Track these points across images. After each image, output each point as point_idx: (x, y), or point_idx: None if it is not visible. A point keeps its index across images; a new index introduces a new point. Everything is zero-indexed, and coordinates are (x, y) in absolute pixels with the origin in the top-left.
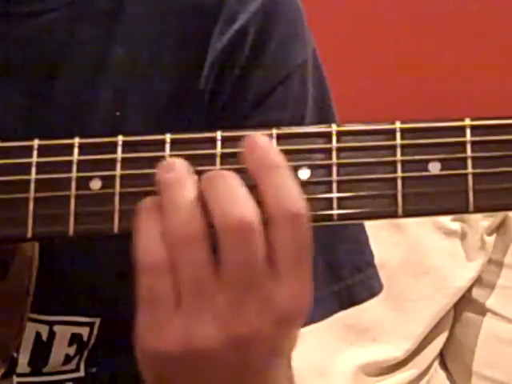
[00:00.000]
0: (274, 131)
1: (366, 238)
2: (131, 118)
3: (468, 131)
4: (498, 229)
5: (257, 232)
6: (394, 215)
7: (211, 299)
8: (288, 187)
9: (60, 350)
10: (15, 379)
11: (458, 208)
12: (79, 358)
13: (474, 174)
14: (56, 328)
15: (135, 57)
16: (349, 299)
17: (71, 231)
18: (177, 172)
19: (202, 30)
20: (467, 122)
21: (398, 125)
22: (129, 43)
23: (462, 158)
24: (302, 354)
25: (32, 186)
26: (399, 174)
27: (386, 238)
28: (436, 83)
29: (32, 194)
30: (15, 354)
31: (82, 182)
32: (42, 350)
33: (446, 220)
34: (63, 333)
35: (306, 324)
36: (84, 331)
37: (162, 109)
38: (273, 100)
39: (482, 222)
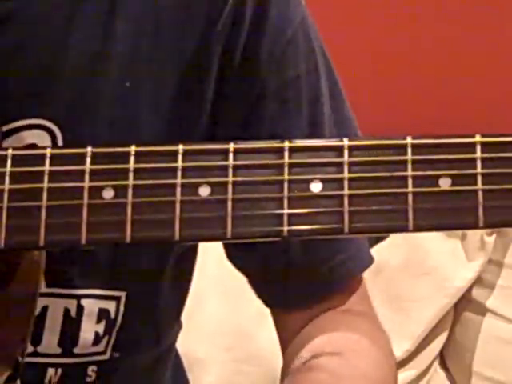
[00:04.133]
0: (287, 144)
1: None
2: (141, 89)
3: (478, 148)
4: (498, 229)
5: None
6: (404, 230)
7: None
8: None
9: (89, 326)
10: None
11: (467, 224)
12: (108, 340)
13: (484, 191)
14: (83, 302)
15: (139, 29)
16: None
17: (83, 240)
18: None
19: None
20: (478, 138)
21: (409, 140)
22: (131, 18)
23: (472, 174)
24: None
25: (44, 194)
26: (410, 189)
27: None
28: (437, 83)
29: (44, 203)
30: (20, 359)
31: (95, 192)
32: (71, 327)
33: None
34: (91, 307)
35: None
36: (111, 306)
37: (171, 80)
38: (286, 59)
39: None
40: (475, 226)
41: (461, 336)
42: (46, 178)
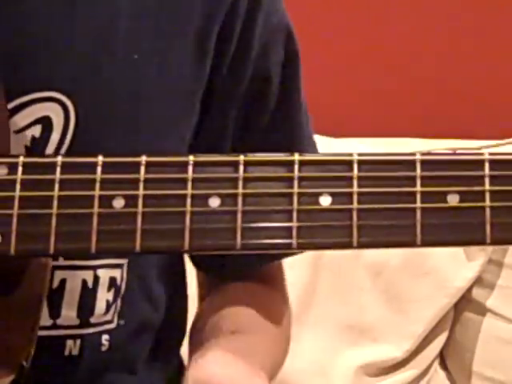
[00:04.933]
0: (297, 158)
1: None
2: (147, 63)
3: (487, 165)
4: None
5: None
6: (412, 245)
7: None
8: None
9: (103, 295)
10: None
11: (475, 240)
12: (115, 308)
13: (492, 207)
14: (99, 272)
15: (142, 7)
16: None
17: (93, 249)
18: None
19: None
20: (486, 156)
21: (418, 156)
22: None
23: (480, 191)
24: (302, 354)
25: (55, 202)
26: (418, 204)
27: None
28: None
29: (55, 211)
30: (24, 363)
31: (105, 201)
32: (88, 298)
33: None
34: (104, 277)
35: None
36: (117, 274)
37: (174, 55)
38: (271, 45)
39: None
40: (482, 243)
41: (461, 336)
42: (56, 186)
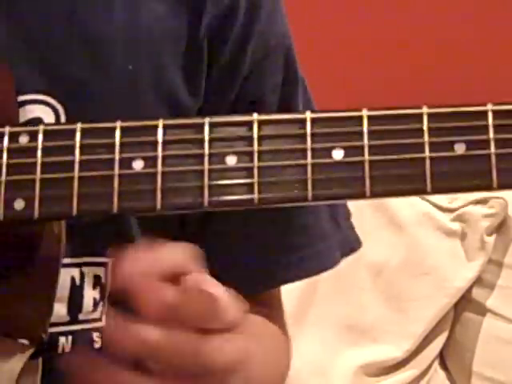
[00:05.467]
0: (309, 115)
1: None
2: (143, 72)
3: (490, 115)
4: (498, 229)
5: None
6: (423, 192)
7: None
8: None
9: (89, 292)
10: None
11: (482, 185)
12: (102, 306)
13: (497, 154)
14: (84, 269)
15: (137, 17)
16: (348, 247)
17: (115, 209)
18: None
19: None
20: (489, 106)
21: (425, 109)
22: (132, 4)
23: (485, 139)
24: (302, 354)
25: (76, 166)
26: (427, 154)
27: (386, 238)
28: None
29: (76, 174)
30: (44, 336)
31: (125, 163)
32: (76, 294)
33: (445, 220)
34: (89, 274)
35: (322, 271)
36: (101, 272)
37: (169, 68)
38: (266, 67)
39: (482, 222)
40: (489, 188)
41: (461, 336)
42: (77, 151)
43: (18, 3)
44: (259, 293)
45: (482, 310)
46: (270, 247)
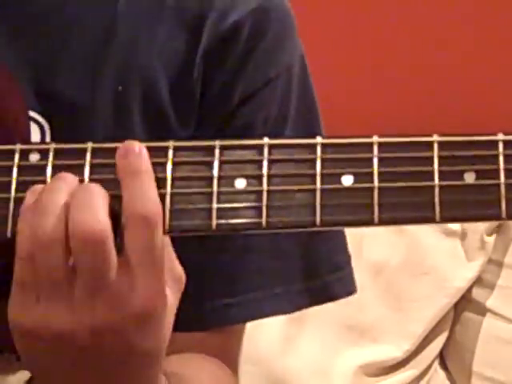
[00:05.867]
0: (319, 141)
1: (344, 237)
2: (131, 95)
3: (501, 145)
4: (498, 229)
5: (106, 241)
6: (431, 221)
7: (65, 295)
8: (144, 192)
9: None
10: None
11: (491, 215)
12: None
13: (507, 184)
14: None
15: (136, 37)
16: (324, 295)
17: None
18: (59, 181)
19: (197, 16)
20: (500, 136)
21: (435, 138)
22: (131, 24)
23: (495, 169)
24: (302, 354)
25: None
26: (436, 182)
27: (385, 238)
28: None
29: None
30: None
31: None
32: None
33: None
34: None
35: (275, 314)
36: None
37: (160, 90)
38: (260, 99)
39: None
40: (498, 218)
41: (461, 336)
42: (87, 170)
43: (13, 17)
44: (206, 330)
45: (482, 310)
46: (222, 284)
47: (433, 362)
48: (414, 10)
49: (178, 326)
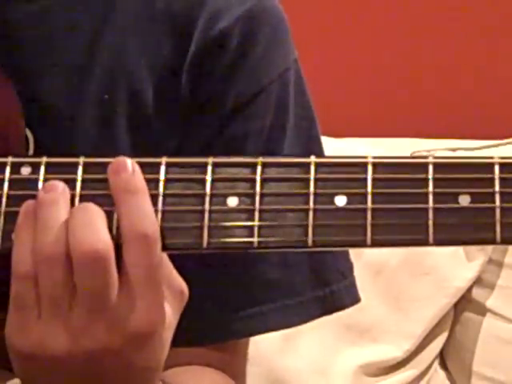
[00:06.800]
0: (313, 160)
1: None
2: (117, 103)
3: (497, 168)
4: None
5: (108, 260)
6: (425, 244)
7: (65, 314)
8: (141, 210)
9: None
10: None
11: (485, 239)
12: None
13: (502, 208)
14: None
15: (124, 44)
16: (333, 304)
17: None
18: (54, 193)
19: (187, 22)
20: (496, 159)
21: (431, 159)
22: (119, 30)
23: (490, 192)
24: (302, 354)
25: (77, 200)
26: (431, 205)
27: None
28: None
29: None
30: None
31: None
32: None
33: None
34: None
35: (286, 327)
36: None
37: (147, 98)
38: (254, 108)
39: None
40: (493, 242)
41: (461, 336)
42: (78, 185)
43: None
44: (209, 344)
45: (482, 310)
46: (227, 298)
47: (433, 361)
48: (413, 10)
49: (180, 341)
